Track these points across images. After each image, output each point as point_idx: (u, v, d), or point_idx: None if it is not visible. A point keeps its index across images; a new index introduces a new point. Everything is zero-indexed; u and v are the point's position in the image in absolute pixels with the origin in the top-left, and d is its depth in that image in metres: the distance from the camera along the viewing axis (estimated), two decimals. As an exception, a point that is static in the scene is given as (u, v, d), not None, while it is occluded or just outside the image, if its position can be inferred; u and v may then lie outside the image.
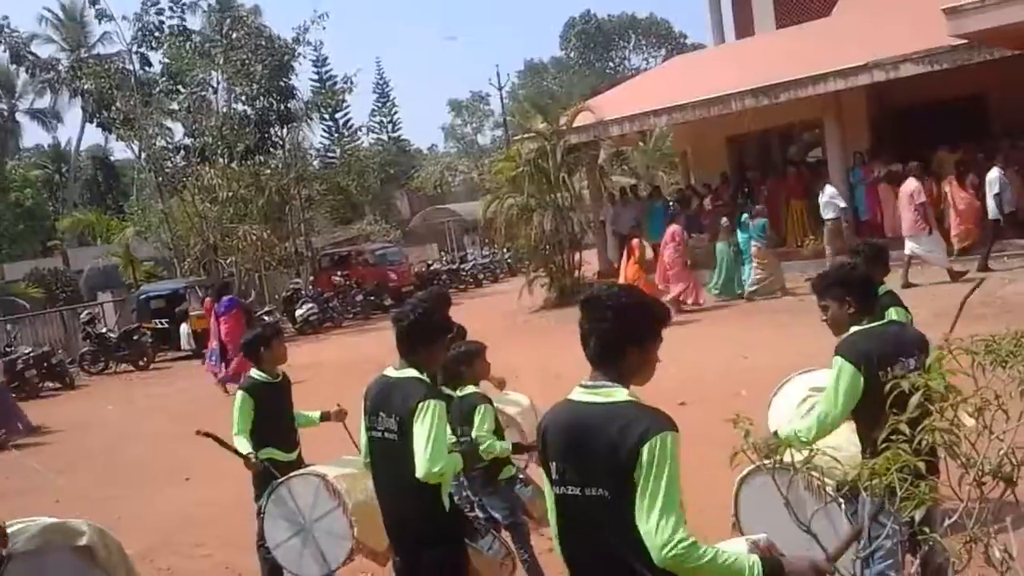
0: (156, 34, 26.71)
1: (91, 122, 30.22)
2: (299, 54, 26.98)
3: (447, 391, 4.71)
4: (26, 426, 13.56)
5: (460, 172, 56.58)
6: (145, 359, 20.08)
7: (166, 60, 27.32)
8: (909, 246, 14.51)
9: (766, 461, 2.46)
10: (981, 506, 2.14)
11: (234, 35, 26.42)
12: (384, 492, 3.96)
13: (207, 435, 5.26)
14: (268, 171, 27.21)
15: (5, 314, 23.69)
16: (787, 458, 2.38)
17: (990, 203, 14.63)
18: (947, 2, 11.82)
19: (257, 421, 5.29)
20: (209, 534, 7.47)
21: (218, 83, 26.81)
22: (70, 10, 45.09)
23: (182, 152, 26.65)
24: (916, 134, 16.88)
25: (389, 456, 3.81)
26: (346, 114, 50.99)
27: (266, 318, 20.29)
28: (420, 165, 56.72)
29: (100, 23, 28.81)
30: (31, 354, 18.02)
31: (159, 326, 21.02)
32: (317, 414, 5.62)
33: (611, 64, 70.24)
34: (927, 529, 2.27)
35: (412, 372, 3.84)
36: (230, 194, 25.35)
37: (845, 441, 3.77)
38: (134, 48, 27.21)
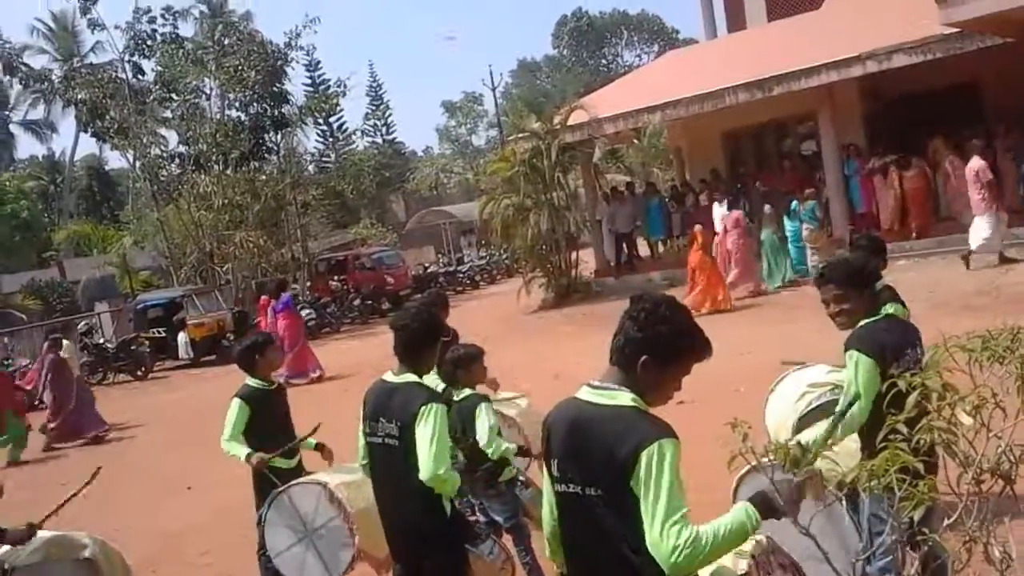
0: (148, 42, 26.68)
1: (85, 132, 30.18)
2: (292, 59, 26.98)
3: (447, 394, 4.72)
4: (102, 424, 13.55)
5: (455, 173, 56.66)
6: (143, 369, 20.03)
7: (159, 68, 27.27)
8: (975, 228, 13.89)
9: (764, 461, 2.44)
10: (980, 504, 2.13)
11: (226, 41, 26.40)
12: (384, 498, 3.95)
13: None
14: (263, 177, 27.15)
15: (2, 327, 23.66)
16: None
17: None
18: (937, -8, 11.83)
19: (256, 428, 5.30)
20: (210, 543, 7.46)
21: (211, 90, 26.79)
22: (62, 20, 45.12)
23: (177, 160, 26.65)
24: (910, 124, 16.88)
25: (389, 461, 3.81)
26: (340, 118, 51.09)
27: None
28: (415, 167, 56.78)
29: (92, 32, 28.91)
30: (29, 366, 17.99)
31: (157, 335, 21.00)
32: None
33: (604, 61, 70.25)
34: (927, 529, 2.26)
35: (412, 377, 3.85)
36: (225, 201, 25.28)
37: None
38: (127, 57, 27.25)
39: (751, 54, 18.80)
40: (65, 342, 14.43)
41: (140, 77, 27.64)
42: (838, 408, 3.78)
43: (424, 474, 3.61)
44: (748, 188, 18.77)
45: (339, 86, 30.19)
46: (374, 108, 58.90)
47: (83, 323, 22.29)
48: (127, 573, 4.28)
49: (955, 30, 13.95)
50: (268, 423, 5.33)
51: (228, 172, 25.57)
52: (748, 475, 3.76)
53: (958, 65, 14.99)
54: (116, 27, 27.03)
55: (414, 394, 3.75)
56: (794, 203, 16.17)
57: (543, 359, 12.85)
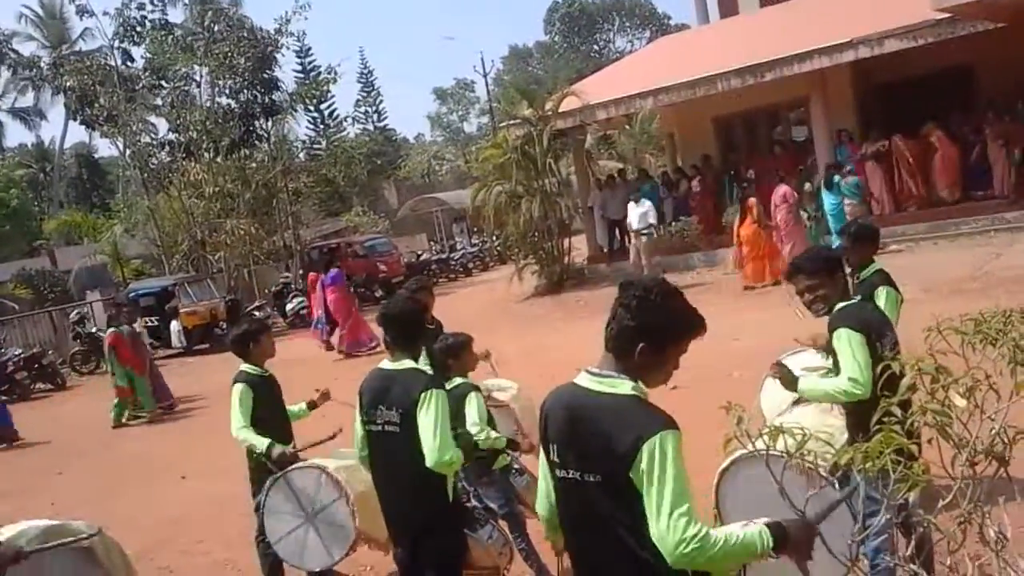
0: (138, 29, 26.53)
1: (74, 119, 30.08)
2: (282, 45, 26.85)
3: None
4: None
5: (447, 160, 56.55)
6: (137, 357, 19.95)
7: (148, 55, 27.15)
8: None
9: (759, 446, 2.45)
10: (975, 485, 2.15)
11: (216, 28, 26.25)
12: (385, 485, 3.95)
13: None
14: (254, 165, 27.07)
15: (-6, 315, 23.57)
16: (780, 444, 2.36)
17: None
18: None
19: (254, 415, 5.23)
20: (208, 531, 7.48)
21: (201, 77, 26.63)
22: (50, 7, 44.77)
23: (167, 148, 26.52)
24: (903, 109, 16.90)
25: (390, 448, 3.82)
26: (331, 105, 50.93)
27: (256, 313, 20.26)
28: (407, 154, 56.61)
29: (81, 19, 28.66)
30: (21, 356, 17.94)
31: (149, 324, 20.94)
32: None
33: (596, 47, 70.08)
34: (921, 512, 2.28)
35: (409, 363, 3.88)
36: (216, 189, 25.20)
37: (820, 424, 3.76)
38: (116, 43, 27.08)
39: (743, 40, 18.77)
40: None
41: (129, 64, 27.52)
42: (838, 381, 3.79)
43: (430, 461, 3.63)
44: (739, 174, 18.76)
45: (330, 73, 30.11)
46: (365, 95, 58.74)
47: (75, 312, 22.20)
48: (125, 562, 4.28)
49: (947, 15, 13.96)
50: (267, 410, 5.30)
51: (218, 160, 25.48)
52: (730, 468, 3.74)
53: (950, 50, 15.00)
54: (105, 13, 27.13)
55: (414, 380, 3.77)
56: (836, 177, 15.59)
57: (536, 346, 12.88)
